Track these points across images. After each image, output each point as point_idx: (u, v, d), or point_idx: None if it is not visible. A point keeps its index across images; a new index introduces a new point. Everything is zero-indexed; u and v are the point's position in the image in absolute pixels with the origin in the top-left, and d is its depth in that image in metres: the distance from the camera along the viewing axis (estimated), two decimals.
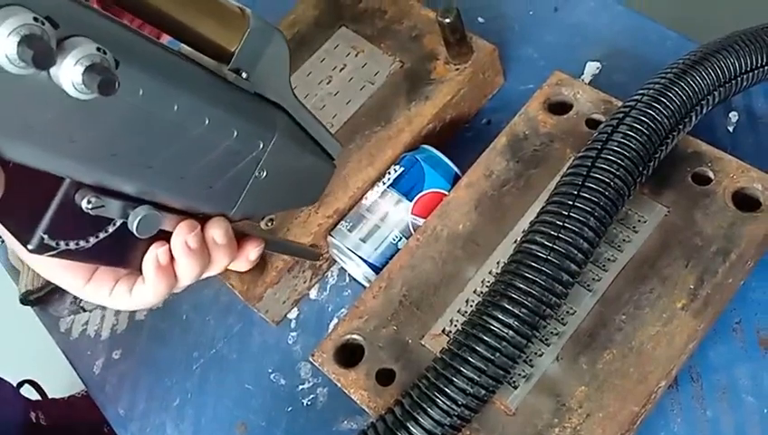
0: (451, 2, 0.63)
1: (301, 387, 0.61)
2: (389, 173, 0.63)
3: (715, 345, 0.52)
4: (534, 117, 0.61)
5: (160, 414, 0.64)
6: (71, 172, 0.32)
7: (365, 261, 0.60)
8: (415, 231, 0.59)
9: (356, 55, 0.71)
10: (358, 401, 0.53)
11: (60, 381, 0.97)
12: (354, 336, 0.56)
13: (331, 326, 0.62)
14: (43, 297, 0.74)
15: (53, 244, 0.33)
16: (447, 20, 0.62)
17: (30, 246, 0.32)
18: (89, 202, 0.33)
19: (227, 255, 0.41)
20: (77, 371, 0.70)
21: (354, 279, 0.65)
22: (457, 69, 0.67)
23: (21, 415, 0.89)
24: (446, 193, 0.61)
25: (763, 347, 0.52)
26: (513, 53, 0.72)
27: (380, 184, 0.62)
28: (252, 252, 0.43)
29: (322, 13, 0.75)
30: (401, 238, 0.60)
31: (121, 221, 0.35)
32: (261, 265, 0.62)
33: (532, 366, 0.50)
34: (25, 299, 0.73)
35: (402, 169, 0.62)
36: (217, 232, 0.39)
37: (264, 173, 0.39)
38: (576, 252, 0.48)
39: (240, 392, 0.63)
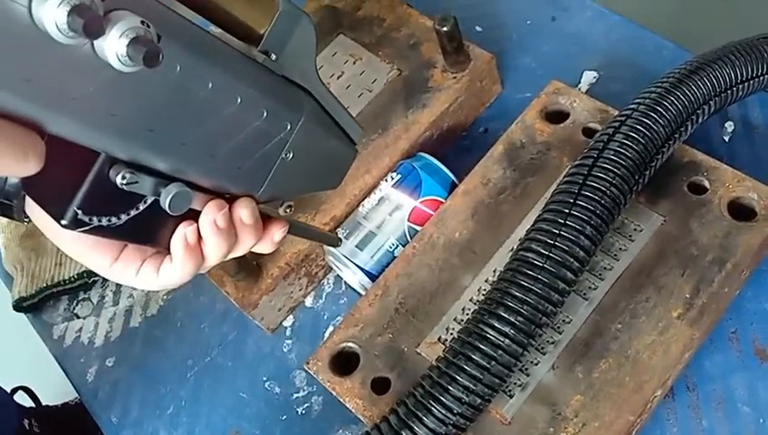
0: (448, 10, 0.63)
1: (295, 395, 0.61)
2: (386, 180, 0.63)
3: (710, 355, 0.52)
4: (531, 125, 0.61)
5: (154, 422, 0.64)
6: (108, 147, 0.32)
7: (361, 269, 0.60)
8: (411, 239, 0.59)
9: (354, 63, 0.71)
10: (353, 410, 0.53)
11: (53, 388, 0.96)
12: (349, 344, 0.55)
13: (327, 334, 0.62)
14: (36, 304, 0.73)
15: (87, 219, 0.33)
16: (445, 28, 0.63)
17: (64, 221, 0.32)
18: (123, 178, 0.33)
19: (254, 235, 0.41)
20: (70, 378, 0.69)
21: (350, 287, 0.65)
22: (455, 77, 0.67)
23: (14, 422, 0.88)
24: (443, 201, 0.61)
25: (759, 357, 0.52)
26: (511, 61, 0.72)
27: (377, 191, 0.62)
28: (277, 233, 0.43)
29: (321, 20, 0.75)
30: (398, 246, 0.60)
31: (153, 199, 0.35)
32: (256, 272, 0.62)
33: (527, 375, 0.50)
34: (18, 306, 0.73)
35: (399, 176, 0.62)
36: (245, 211, 0.40)
37: (291, 155, 0.40)
38: (572, 260, 0.48)
39: (234, 400, 0.63)
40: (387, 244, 0.60)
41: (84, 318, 0.72)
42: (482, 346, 0.46)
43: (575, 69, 0.69)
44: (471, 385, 0.46)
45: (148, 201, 0.35)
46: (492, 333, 0.47)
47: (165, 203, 0.35)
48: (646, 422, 0.49)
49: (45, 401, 0.99)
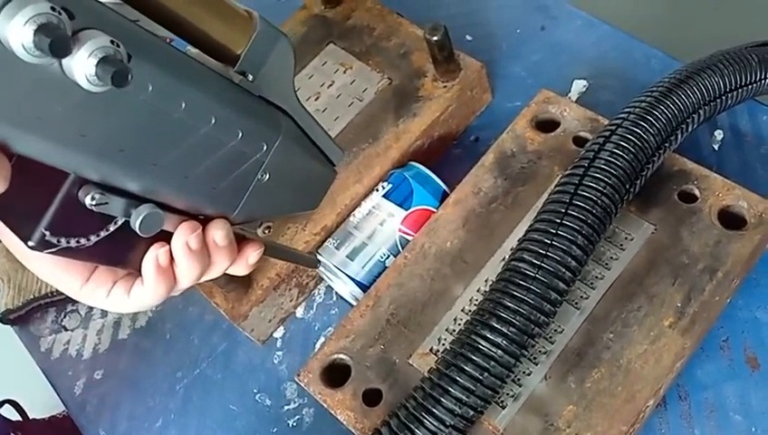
0: (439, 20, 0.63)
1: (286, 407, 0.61)
2: (377, 190, 0.62)
3: (702, 364, 0.52)
4: (522, 134, 0.61)
5: None
6: (77, 167, 0.31)
7: (352, 279, 0.60)
8: (403, 249, 0.59)
9: (344, 72, 0.71)
10: (344, 422, 0.52)
11: (41, 402, 0.95)
12: (341, 356, 0.55)
13: (318, 345, 0.62)
14: (23, 316, 0.72)
15: (55, 241, 0.32)
16: (435, 37, 0.63)
17: (31, 243, 0.32)
18: (92, 199, 0.32)
19: (228, 257, 0.40)
20: (57, 391, 0.68)
21: (341, 297, 0.64)
22: (445, 86, 0.67)
23: None
24: (435, 210, 0.60)
25: (751, 365, 0.52)
26: (501, 70, 0.72)
27: (368, 201, 0.62)
28: (252, 255, 0.42)
29: (311, 29, 0.75)
30: (389, 256, 0.60)
31: (123, 220, 0.35)
32: (246, 283, 0.62)
33: (520, 385, 0.50)
34: (5, 318, 0.72)
35: (390, 185, 0.62)
36: (219, 233, 0.39)
37: (267, 176, 0.39)
38: (564, 270, 0.47)
39: (224, 413, 0.62)
40: (378, 254, 0.60)
41: (72, 330, 0.71)
42: (474, 357, 0.46)
43: (565, 78, 0.69)
44: (464, 397, 0.46)
45: (119, 222, 0.35)
46: (484, 344, 0.46)
47: (135, 224, 0.35)
48: (638, 432, 0.49)
49: (32, 414, 0.98)
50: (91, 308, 0.72)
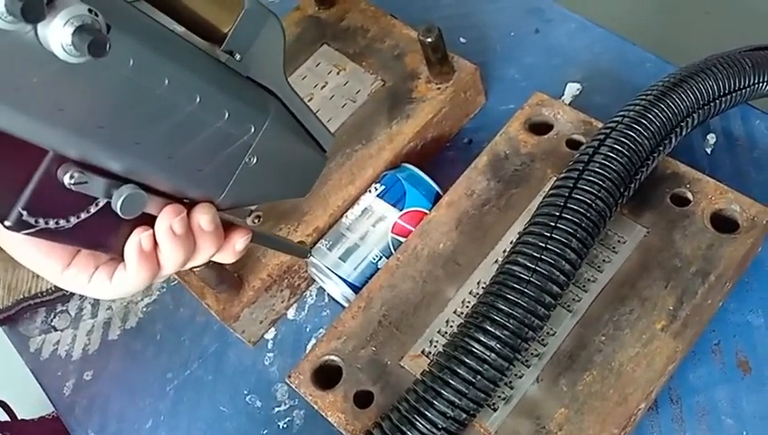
0: (433, 21, 0.63)
1: (277, 409, 0.60)
2: (370, 191, 0.62)
3: (694, 367, 0.52)
4: (515, 137, 0.61)
5: None
6: (55, 143, 0.31)
7: (344, 280, 0.59)
8: (395, 250, 0.59)
9: (338, 73, 0.71)
10: (335, 424, 0.52)
11: (30, 402, 0.94)
12: (332, 357, 0.55)
13: (309, 347, 0.61)
14: (12, 316, 0.72)
15: (32, 221, 0.31)
16: (429, 39, 0.62)
17: (7, 223, 0.31)
18: (71, 177, 0.31)
19: (213, 243, 0.39)
20: (46, 392, 0.68)
21: (333, 299, 0.64)
22: (439, 88, 0.67)
23: None
24: (428, 212, 0.60)
25: (742, 369, 0.52)
26: (495, 73, 0.72)
27: (361, 202, 0.62)
28: (239, 242, 0.41)
29: (304, 30, 0.74)
30: (381, 258, 0.60)
31: (104, 202, 0.33)
32: (238, 284, 0.61)
33: (512, 388, 0.50)
34: None
35: (383, 187, 0.62)
36: (204, 218, 0.38)
37: (255, 159, 0.38)
38: (558, 274, 0.47)
39: (215, 414, 0.62)
40: (370, 255, 0.60)
41: (62, 331, 0.71)
42: (467, 360, 0.46)
43: (559, 81, 0.69)
44: (456, 400, 0.45)
45: (100, 204, 0.33)
46: (477, 347, 0.46)
47: (117, 205, 0.33)
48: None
49: (21, 415, 0.97)
50: (80, 308, 0.72)
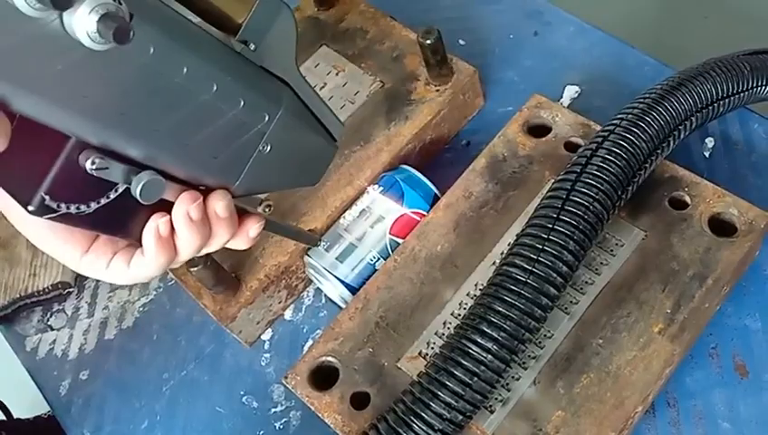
0: (432, 23, 0.63)
1: (273, 410, 0.60)
2: (368, 193, 0.62)
3: (691, 371, 0.52)
4: (513, 139, 0.61)
5: None
6: (78, 130, 0.31)
7: (342, 281, 0.59)
8: (393, 252, 0.59)
9: (336, 74, 0.71)
10: (332, 426, 0.52)
11: (26, 401, 0.94)
12: (329, 359, 0.55)
13: (306, 348, 0.61)
14: (9, 315, 0.72)
15: (54, 206, 0.32)
16: (428, 41, 0.62)
17: (30, 207, 0.32)
18: (93, 163, 0.32)
19: (228, 229, 0.40)
20: (42, 391, 0.67)
21: (330, 300, 0.64)
22: (438, 90, 0.67)
23: None
24: (426, 214, 0.60)
25: (740, 373, 0.52)
26: (494, 75, 0.72)
27: (359, 203, 0.62)
28: (252, 228, 0.42)
29: (304, 31, 0.74)
30: (379, 259, 0.60)
31: (124, 187, 0.34)
32: (235, 284, 0.61)
33: (509, 390, 0.49)
34: None
35: (381, 188, 0.62)
36: (220, 204, 0.39)
37: (269, 147, 0.39)
38: (556, 276, 0.47)
39: (211, 415, 0.61)
40: (368, 257, 0.60)
41: (58, 330, 0.71)
42: (464, 362, 0.46)
43: (557, 83, 0.69)
44: (453, 401, 0.45)
45: (119, 190, 0.35)
46: (475, 348, 0.46)
47: (136, 191, 0.34)
48: None
49: (17, 414, 0.97)
50: (77, 308, 0.71)
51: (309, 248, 0.61)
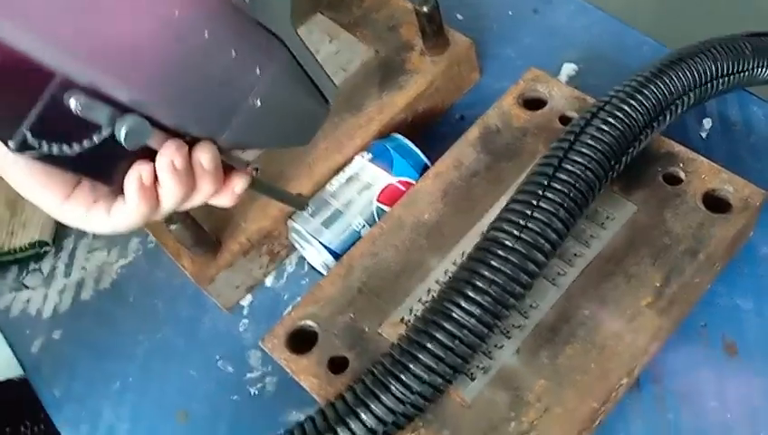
0: None
1: (249, 375, 0.58)
2: (357, 159, 0.61)
3: (679, 348, 0.51)
4: (508, 111, 0.59)
5: (98, 398, 0.60)
6: (64, 63, 0.31)
7: (326, 247, 0.58)
8: (379, 219, 0.57)
9: (330, 42, 0.69)
10: (308, 389, 0.50)
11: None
12: (308, 322, 0.53)
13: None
14: None
15: (36, 144, 0.32)
16: (425, 9, 0.61)
17: (11, 143, 0.31)
18: (78, 102, 0.32)
19: (213, 183, 0.40)
20: (13, 349, 0.65)
21: (313, 268, 0.62)
22: (433, 60, 0.65)
23: None
24: (415, 183, 0.59)
25: (729, 352, 0.50)
26: (491, 51, 0.71)
27: (347, 169, 0.60)
28: (238, 184, 0.41)
29: None
30: (365, 226, 0.58)
31: (108, 132, 0.34)
32: (215, 246, 0.60)
33: (491, 358, 0.48)
34: None
35: (370, 155, 0.60)
36: (205, 156, 0.38)
37: (258, 102, 0.39)
38: (544, 242, 0.46)
39: (184, 379, 0.60)
40: (354, 223, 0.58)
41: (33, 289, 0.69)
42: (447, 325, 0.44)
43: (555, 61, 0.68)
44: (433, 364, 0.44)
45: (104, 133, 0.34)
46: (458, 312, 0.45)
47: (120, 134, 0.34)
48: (610, 413, 0.48)
49: None
50: (54, 268, 0.70)
51: (293, 213, 0.60)
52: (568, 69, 0.67)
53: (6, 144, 0.32)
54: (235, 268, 0.60)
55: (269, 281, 0.63)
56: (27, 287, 0.69)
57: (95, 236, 0.70)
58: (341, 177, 0.60)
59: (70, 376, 0.62)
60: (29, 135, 0.31)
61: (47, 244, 0.70)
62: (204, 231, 0.58)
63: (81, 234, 0.71)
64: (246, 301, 0.62)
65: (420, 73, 0.65)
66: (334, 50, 0.69)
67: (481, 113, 0.61)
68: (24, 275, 0.70)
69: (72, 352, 0.64)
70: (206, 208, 0.61)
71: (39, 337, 0.65)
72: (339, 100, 0.65)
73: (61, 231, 0.71)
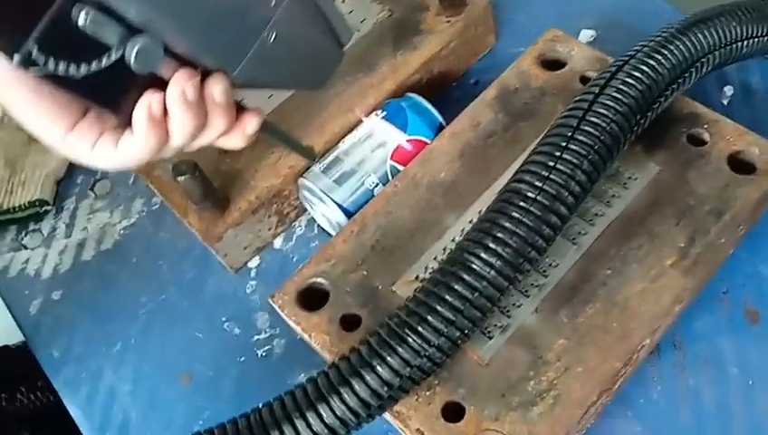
0: None
1: (256, 337, 0.57)
2: (371, 117, 0.59)
3: (700, 314, 0.50)
4: (527, 71, 0.58)
5: (98, 359, 0.59)
6: None
7: (339, 205, 0.56)
8: (393, 178, 0.56)
9: (343, 1, 0.68)
10: (318, 347, 0.49)
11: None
12: (319, 280, 0.51)
13: None
14: None
15: (41, 59, 0.30)
16: None
17: (17, 57, 0.30)
18: (86, 15, 0.30)
19: (225, 118, 0.38)
20: (11, 309, 0.64)
21: (323, 230, 0.61)
22: (449, 21, 0.64)
23: None
24: (430, 142, 0.57)
25: (750, 319, 0.49)
26: (507, 16, 0.69)
27: (360, 128, 0.59)
28: (250, 124, 0.40)
29: None
30: (378, 184, 0.57)
31: (118, 54, 0.32)
32: (223, 204, 0.58)
33: (509, 317, 0.47)
34: None
35: (385, 113, 0.59)
36: (218, 88, 0.36)
37: (273, 36, 0.37)
38: (567, 194, 0.44)
39: (188, 340, 0.58)
40: (367, 182, 0.57)
41: (32, 249, 0.67)
42: (466, 276, 0.43)
43: (572, 28, 0.66)
44: (451, 316, 0.42)
45: (113, 56, 0.32)
46: (478, 263, 0.43)
47: (131, 56, 0.32)
48: (630, 377, 0.46)
49: None
50: (54, 228, 0.68)
51: (304, 171, 0.58)
52: (586, 35, 0.66)
53: (11, 57, 0.30)
54: (243, 227, 0.58)
55: (278, 243, 0.61)
56: (26, 248, 0.67)
57: (97, 197, 0.68)
58: (354, 135, 0.59)
59: (69, 337, 0.61)
60: (35, 49, 0.30)
61: (47, 203, 0.68)
62: (212, 186, 0.56)
63: (83, 195, 0.69)
64: (254, 262, 0.61)
65: (435, 34, 0.63)
66: (347, 9, 0.67)
67: (496, 78, 0.59)
68: (22, 235, 0.68)
69: (71, 313, 0.62)
70: (216, 164, 0.60)
71: (38, 297, 0.64)
72: (351, 60, 0.64)
73: (62, 192, 0.70)
